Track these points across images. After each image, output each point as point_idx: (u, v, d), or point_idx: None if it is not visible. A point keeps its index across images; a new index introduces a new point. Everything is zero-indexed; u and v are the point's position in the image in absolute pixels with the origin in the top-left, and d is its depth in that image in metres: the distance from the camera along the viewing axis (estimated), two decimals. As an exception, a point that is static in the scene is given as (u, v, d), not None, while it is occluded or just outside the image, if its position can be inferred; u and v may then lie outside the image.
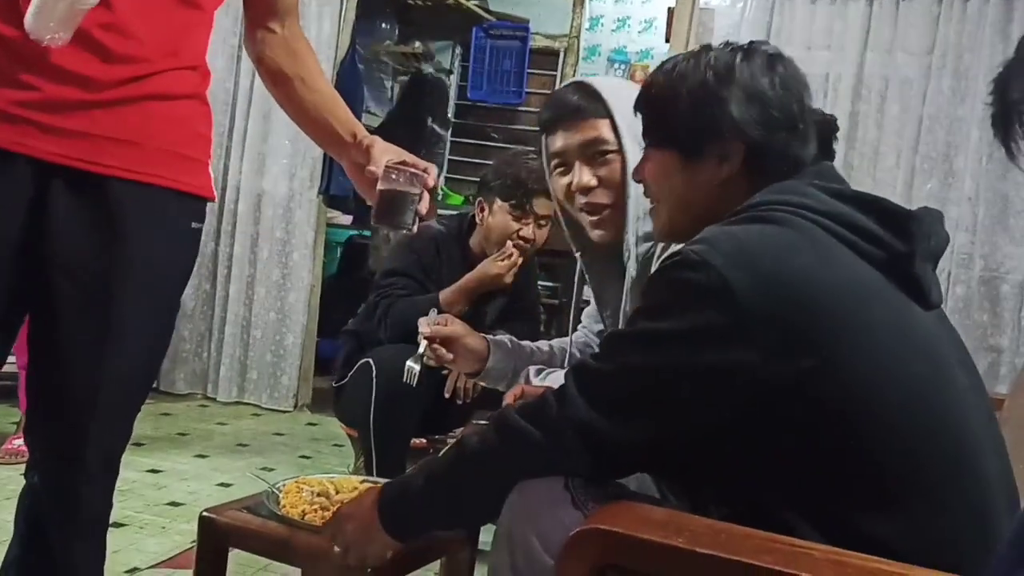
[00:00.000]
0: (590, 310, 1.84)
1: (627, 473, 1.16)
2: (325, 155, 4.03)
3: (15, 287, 1.33)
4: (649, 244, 1.56)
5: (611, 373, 1.07)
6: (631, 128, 1.50)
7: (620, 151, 1.54)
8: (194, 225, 1.46)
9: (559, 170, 1.62)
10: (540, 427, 1.08)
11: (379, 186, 1.41)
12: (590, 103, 1.56)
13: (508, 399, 1.54)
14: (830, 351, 1.00)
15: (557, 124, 1.60)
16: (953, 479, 1.02)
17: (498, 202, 2.60)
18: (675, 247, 1.49)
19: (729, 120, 1.15)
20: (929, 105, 3.41)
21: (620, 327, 1.18)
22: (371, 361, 2.53)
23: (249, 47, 1.54)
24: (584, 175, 1.57)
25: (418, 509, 1.19)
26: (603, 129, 1.55)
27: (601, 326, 1.79)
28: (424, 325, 1.75)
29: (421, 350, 1.78)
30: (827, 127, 1.25)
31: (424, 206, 1.42)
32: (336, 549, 1.26)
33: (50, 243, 1.32)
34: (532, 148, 2.73)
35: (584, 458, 1.07)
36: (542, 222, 2.64)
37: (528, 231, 2.61)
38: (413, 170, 1.40)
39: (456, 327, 1.76)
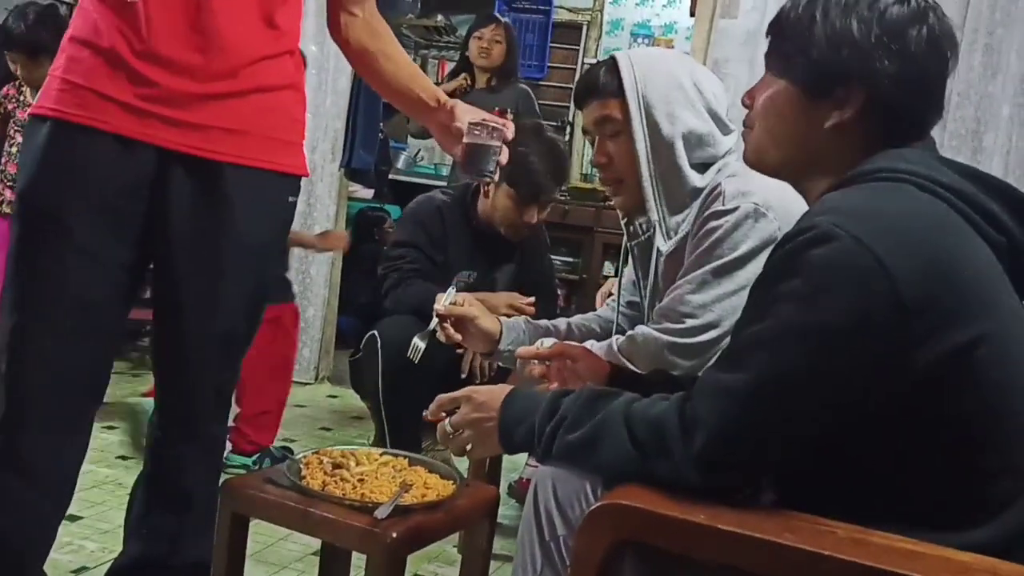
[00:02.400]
0: (627, 282, 1.84)
1: (748, 485, 1.05)
2: (346, 128, 4.04)
3: (139, 260, 1.55)
4: (681, 215, 1.56)
5: (752, 391, 0.95)
6: (642, 106, 1.54)
7: (629, 130, 1.55)
8: (290, 199, 1.66)
9: (590, 143, 1.69)
10: (659, 454, 0.99)
11: (464, 140, 1.58)
12: (609, 81, 1.60)
13: (520, 351, 1.51)
14: (973, 338, 0.94)
15: (580, 102, 1.67)
16: None
17: (504, 185, 2.57)
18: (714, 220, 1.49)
19: (860, 62, 1.06)
20: (959, 81, 3.34)
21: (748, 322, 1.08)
22: (376, 334, 2.54)
23: (334, 31, 1.68)
24: (597, 152, 1.65)
25: (530, 444, 1.13)
26: (615, 107, 1.59)
27: (638, 298, 1.78)
28: (440, 303, 1.74)
29: (431, 327, 1.78)
30: None
31: (504, 157, 1.59)
32: (448, 430, 1.26)
33: (170, 222, 1.52)
34: (543, 127, 2.72)
35: (694, 481, 0.97)
36: (546, 208, 2.64)
37: (530, 218, 2.60)
38: (493, 125, 1.56)
39: (472, 308, 1.75)
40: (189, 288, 1.57)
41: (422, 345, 1.80)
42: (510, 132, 1.58)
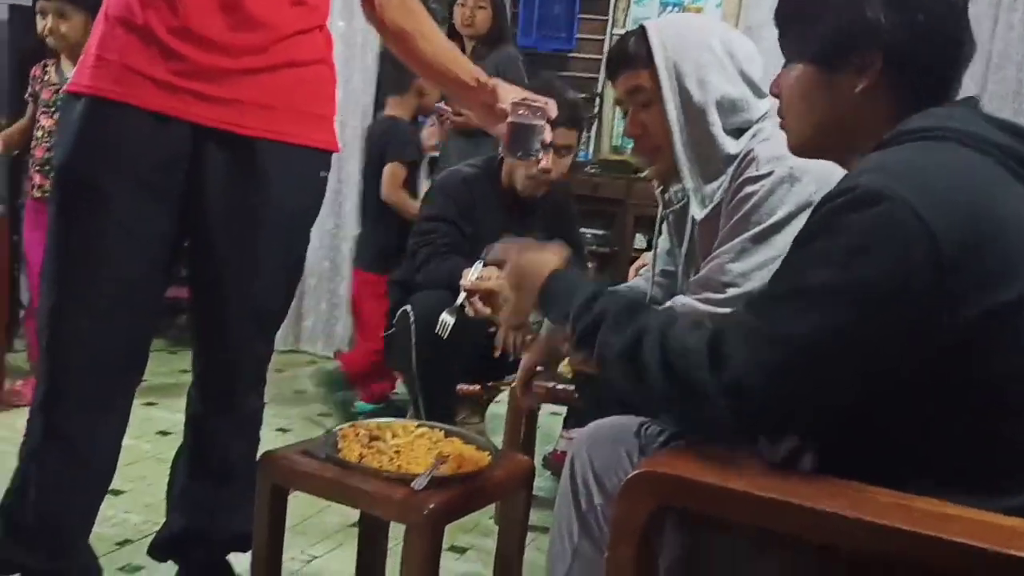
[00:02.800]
0: (662, 252, 1.83)
1: (772, 434, 1.05)
2: (375, 105, 4.03)
3: (175, 236, 1.59)
4: (716, 183, 1.54)
5: (778, 339, 0.94)
6: (672, 74, 1.53)
7: (660, 99, 1.54)
8: (322, 174, 1.68)
9: (624, 115, 1.68)
10: (683, 382, 0.97)
11: (509, 120, 1.57)
12: (638, 50, 1.58)
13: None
14: (1015, 295, 0.92)
15: (612, 73, 1.65)
16: None
17: None
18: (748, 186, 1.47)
19: (866, 24, 1.06)
20: (998, 41, 3.27)
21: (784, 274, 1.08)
22: (408, 309, 2.55)
23: (368, 12, 1.67)
24: (630, 123, 1.63)
25: (565, 321, 1.12)
26: (645, 77, 1.57)
27: (673, 268, 1.77)
28: (466, 278, 1.74)
29: (459, 302, 1.78)
30: None
31: (548, 135, 1.59)
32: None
33: (206, 196, 1.55)
34: (554, 78, 2.69)
35: (726, 425, 0.97)
36: (562, 151, 2.58)
37: (546, 163, 2.55)
38: (536, 104, 1.56)
39: (497, 283, 1.75)
40: (225, 263, 1.60)
41: (450, 320, 1.80)
42: (553, 110, 1.57)
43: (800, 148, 1.19)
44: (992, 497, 0.91)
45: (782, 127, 1.20)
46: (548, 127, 1.56)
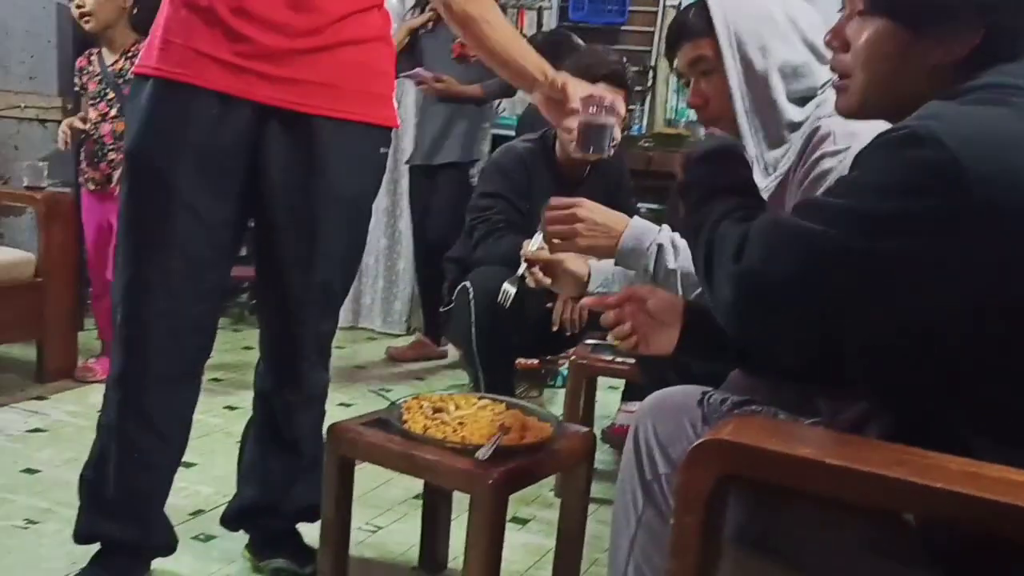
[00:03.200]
0: None
1: (776, 343, 1.03)
2: (431, 81, 4.04)
3: (240, 216, 1.64)
4: (780, 151, 1.53)
5: (802, 234, 0.95)
6: (733, 41, 1.52)
7: (722, 67, 1.53)
8: (382, 150, 1.72)
9: (686, 86, 1.66)
10: (715, 267, 1.02)
11: (580, 119, 1.60)
12: (698, 20, 1.57)
13: (588, 301, 1.54)
14: None
15: (673, 45, 1.65)
16: None
17: None
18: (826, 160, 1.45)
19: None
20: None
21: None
22: (468, 284, 2.57)
23: None
24: (693, 94, 1.62)
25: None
26: (706, 46, 1.56)
27: None
28: (526, 248, 1.75)
29: (520, 272, 1.79)
30: None
31: (618, 133, 1.62)
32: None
33: (269, 176, 1.60)
34: (600, 48, 2.69)
35: (737, 308, 0.99)
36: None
37: None
38: (606, 102, 1.57)
39: (559, 252, 1.76)
40: (287, 241, 1.64)
41: (512, 290, 1.82)
42: (622, 107, 1.60)
43: (857, 109, 1.12)
44: None
45: (837, 85, 1.14)
46: (617, 124, 1.60)
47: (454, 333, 2.81)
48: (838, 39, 1.12)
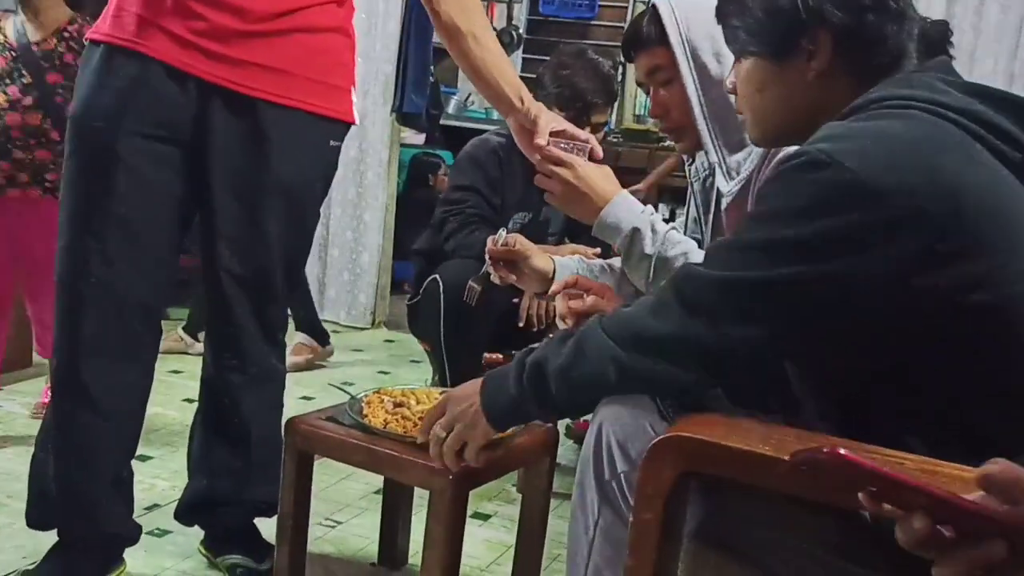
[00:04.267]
0: (689, 220, 1.81)
1: (722, 381, 1.10)
2: (397, 73, 4.01)
3: (186, 193, 1.61)
4: (742, 154, 1.53)
5: (721, 282, 0.99)
6: (688, 49, 1.51)
7: (679, 76, 1.53)
8: (332, 143, 1.69)
9: (646, 95, 1.67)
10: (632, 345, 1.03)
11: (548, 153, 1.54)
12: (651, 29, 1.57)
13: (557, 286, 1.51)
14: (984, 259, 0.92)
15: (630, 54, 1.64)
16: None
17: (554, 110, 2.54)
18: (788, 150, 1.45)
19: (805, 8, 1.07)
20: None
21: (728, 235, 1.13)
22: (438, 278, 2.55)
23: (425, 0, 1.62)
24: (653, 103, 1.61)
25: (514, 405, 1.15)
26: (661, 56, 1.55)
27: (699, 236, 1.76)
28: (491, 243, 1.73)
29: (484, 269, 1.77)
30: (941, 33, 1.16)
31: (597, 151, 1.55)
32: (440, 434, 1.24)
33: (210, 155, 1.58)
34: (586, 50, 2.66)
35: (676, 372, 1.01)
36: (597, 128, 2.58)
37: None
38: (577, 143, 1.52)
39: (523, 247, 1.74)
40: (225, 223, 1.63)
41: (478, 287, 1.81)
42: (597, 150, 1.53)
43: (763, 139, 1.22)
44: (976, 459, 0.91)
45: (742, 121, 1.22)
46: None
47: (421, 327, 2.79)
48: (731, 82, 1.21)
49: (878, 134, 0.97)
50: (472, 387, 1.21)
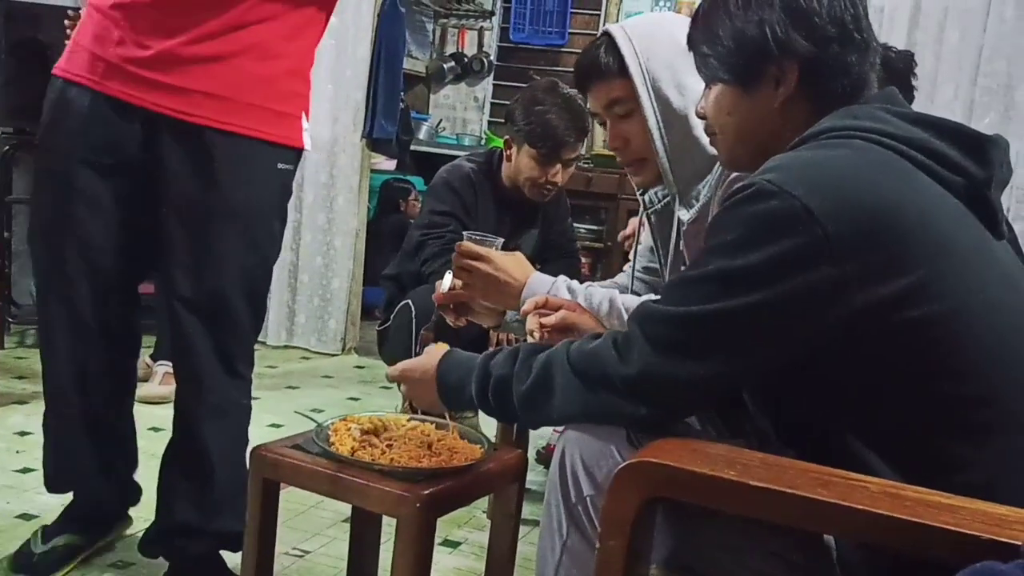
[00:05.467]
0: (644, 249, 1.82)
1: (690, 414, 1.14)
2: (368, 99, 4.02)
3: (141, 216, 1.65)
4: (701, 184, 1.53)
5: (681, 318, 1.01)
6: (648, 82, 1.50)
7: (640, 108, 1.52)
8: (280, 166, 1.69)
9: (601, 125, 1.64)
10: (596, 383, 1.06)
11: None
12: (610, 60, 1.54)
13: (528, 306, 1.51)
14: (922, 276, 0.95)
15: (585, 85, 1.62)
16: None
17: (525, 146, 2.55)
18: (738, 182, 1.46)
19: (775, 40, 1.10)
20: (990, 35, 3.27)
21: (686, 267, 1.15)
22: (410, 302, 2.55)
23: None
24: (612, 135, 1.60)
25: (470, 402, 1.23)
26: (622, 87, 1.53)
27: (656, 264, 1.76)
28: (439, 290, 1.70)
29: (434, 318, 1.75)
30: (905, 63, 1.20)
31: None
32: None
33: (162, 182, 1.61)
34: (557, 83, 2.67)
35: (643, 410, 1.04)
36: (569, 165, 2.60)
37: (555, 177, 2.57)
38: (487, 236, 1.63)
39: (470, 294, 1.71)
40: (178, 250, 1.66)
41: (431, 335, 1.79)
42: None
43: (734, 164, 1.25)
44: (941, 475, 0.93)
45: (712, 144, 1.26)
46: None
47: (391, 352, 2.77)
48: (702, 108, 1.24)
49: (821, 163, 1.00)
50: (428, 374, 1.30)
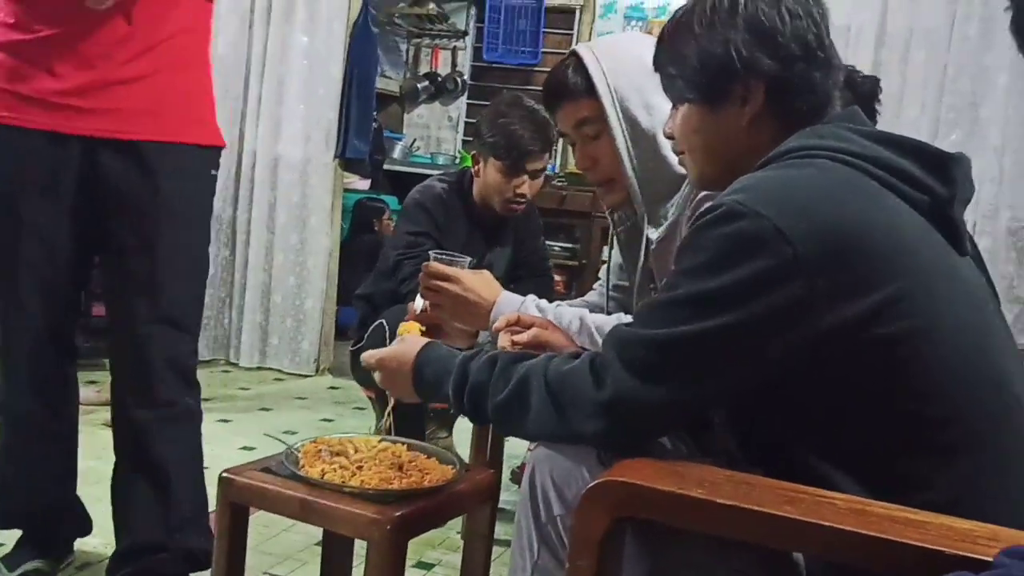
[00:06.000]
0: (614, 266, 1.82)
1: (662, 435, 1.14)
2: (340, 118, 4.02)
3: (85, 240, 1.71)
4: (669, 203, 1.53)
5: (654, 342, 1.01)
6: (617, 101, 1.50)
7: (608, 128, 1.52)
8: (212, 172, 1.79)
9: (571, 145, 1.64)
10: (571, 405, 1.05)
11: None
12: (578, 80, 1.54)
13: (500, 324, 1.51)
14: (890, 294, 0.96)
15: (552, 105, 1.62)
16: (1001, 428, 1.00)
17: (491, 159, 2.56)
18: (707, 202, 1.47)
19: (739, 59, 1.11)
20: (955, 53, 3.32)
21: (651, 285, 1.14)
22: (384, 322, 2.53)
23: None
24: (580, 155, 1.60)
25: (445, 398, 1.23)
26: (590, 107, 1.54)
27: (626, 282, 1.76)
28: (411, 312, 1.70)
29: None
30: (871, 88, 1.22)
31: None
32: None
33: (105, 200, 1.68)
34: (521, 97, 2.68)
35: (616, 434, 1.04)
36: (537, 174, 2.60)
37: (523, 188, 2.57)
38: (455, 255, 1.63)
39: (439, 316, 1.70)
40: (131, 265, 1.71)
41: None
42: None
43: (704, 182, 1.25)
44: (905, 494, 0.93)
45: (681, 163, 1.26)
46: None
47: (365, 374, 2.75)
48: (669, 128, 1.25)
49: (788, 183, 1.01)
50: (406, 365, 1.29)
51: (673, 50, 1.19)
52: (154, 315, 1.72)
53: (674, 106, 1.23)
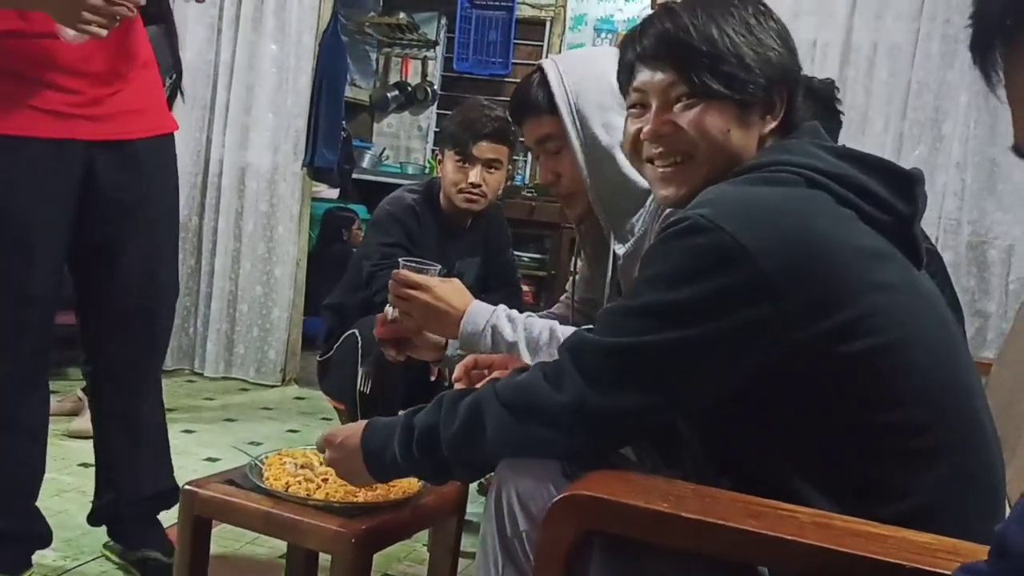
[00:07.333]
0: (580, 279, 1.82)
1: (624, 445, 1.14)
2: (309, 127, 3.99)
3: (73, 239, 1.82)
4: (635, 217, 1.54)
5: (614, 349, 1.01)
6: (577, 119, 1.50)
7: (569, 144, 1.52)
8: (176, 153, 1.98)
9: (536, 159, 1.65)
10: (530, 413, 1.04)
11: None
12: (541, 95, 1.54)
13: (459, 373, 1.50)
14: (863, 309, 0.97)
15: (517, 120, 1.63)
16: (967, 440, 1.01)
17: (448, 152, 2.59)
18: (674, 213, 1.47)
19: (777, 65, 1.10)
20: (918, 70, 3.37)
21: (619, 299, 1.14)
22: (356, 333, 2.52)
23: None
24: (543, 170, 1.60)
25: (399, 467, 1.19)
26: (551, 124, 1.54)
27: (592, 295, 1.77)
28: (379, 325, 1.68)
29: (375, 354, 1.73)
30: (828, 91, 1.23)
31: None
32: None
33: (106, 197, 1.82)
34: (483, 102, 2.69)
35: (578, 441, 1.03)
36: (491, 169, 2.58)
37: (475, 177, 2.56)
38: (426, 263, 1.64)
39: (408, 324, 1.66)
40: (124, 251, 1.85)
41: (373, 371, 1.78)
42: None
43: (699, 185, 1.13)
44: (881, 503, 0.95)
45: (680, 165, 1.15)
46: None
47: (334, 382, 2.73)
48: (668, 125, 1.14)
49: (755, 199, 1.01)
50: (352, 441, 1.24)
51: (704, 40, 1.10)
52: (149, 297, 1.90)
53: (691, 100, 1.12)
